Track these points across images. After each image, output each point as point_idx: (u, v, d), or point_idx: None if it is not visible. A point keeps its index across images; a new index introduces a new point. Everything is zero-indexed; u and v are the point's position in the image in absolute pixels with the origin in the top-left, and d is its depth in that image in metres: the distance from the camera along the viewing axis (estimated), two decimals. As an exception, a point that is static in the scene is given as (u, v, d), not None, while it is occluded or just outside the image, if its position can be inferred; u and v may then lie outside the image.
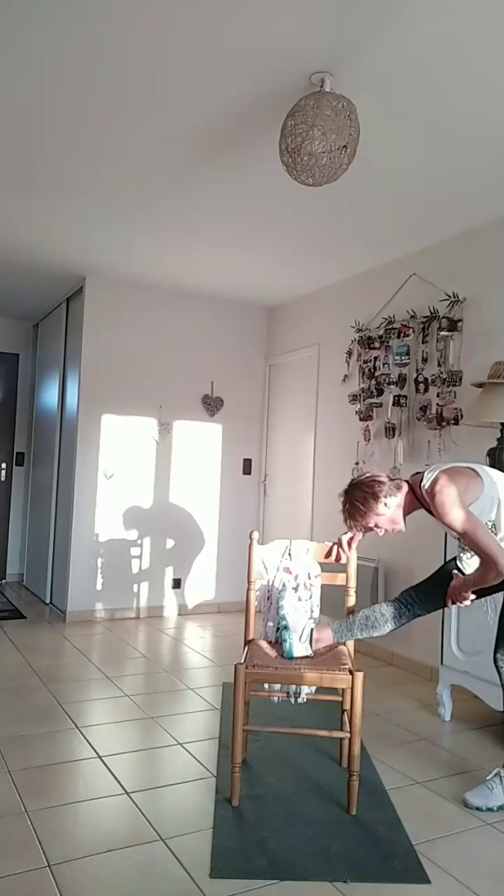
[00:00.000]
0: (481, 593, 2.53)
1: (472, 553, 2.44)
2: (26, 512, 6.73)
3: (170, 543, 5.61)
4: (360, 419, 4.66)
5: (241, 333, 5.97)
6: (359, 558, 3.35)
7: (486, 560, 2.30)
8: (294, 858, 2.07)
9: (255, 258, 4.70)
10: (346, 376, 4.94)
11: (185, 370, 5.69)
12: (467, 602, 2.50)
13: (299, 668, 2.38)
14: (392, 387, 4.38)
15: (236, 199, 3.69)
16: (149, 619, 5.37)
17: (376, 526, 2.43)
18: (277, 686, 2.45)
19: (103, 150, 3.19)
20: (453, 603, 2.53)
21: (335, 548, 2.69)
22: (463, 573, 2.57)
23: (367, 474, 2.46)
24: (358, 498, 2.40)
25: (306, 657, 2.51)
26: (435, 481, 2.33)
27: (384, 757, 2.86)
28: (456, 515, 2.28)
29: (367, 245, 4.33)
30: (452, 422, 3.93)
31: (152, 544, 5.54)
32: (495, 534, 2.39)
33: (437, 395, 4.05)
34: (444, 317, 4.02)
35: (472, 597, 2.49)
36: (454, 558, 2.67)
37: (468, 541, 2.31)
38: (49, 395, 6.16)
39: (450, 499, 2.28)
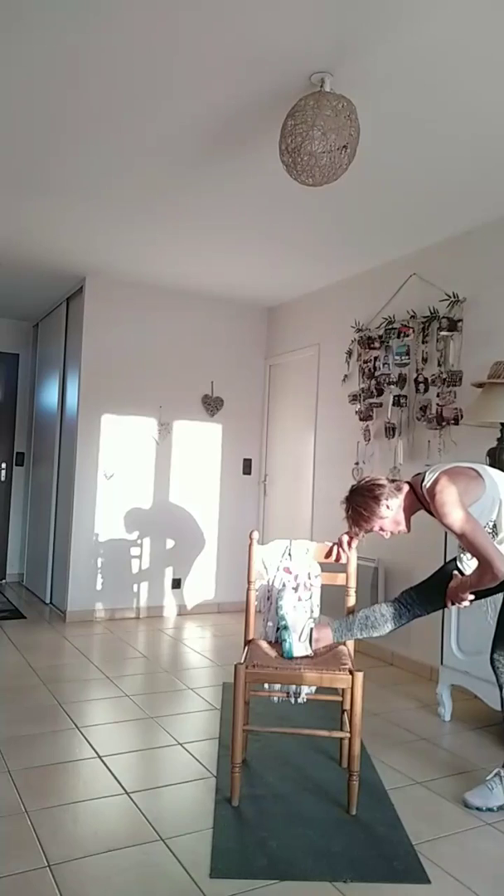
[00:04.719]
0: (481, 594, 2.53)
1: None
2: (26, 512, 6.73)
3: (170, 543, 5.61)
4: (360, 419, 4.66)
5: (241, 333, 5.97)
6: (359, 558, 3.35)
7: (483, 563, 2.29)
8: (294, 858, 2.07)
9: (255, 258, 4.70)
10: (346, 376, 4.94)
11: (184, 370, 5.69)
12: (466, 603, 2.50)
13: (299, 668, 2.38)
14: (392, 387, 4.38)
15: (236, 199, 3.69)
16: (149, 619, 5.37)
17: (381, 529, 2.43)
18: (277, 686, 2.45)
19: (104, 152, 3.19)
20: (452, 604, 2.54)
21: (335, 548, 2.69)
22: (463, 573, 2.57)
23: (367, 478, 2.46)
24: (360, 503, 2.40)
25: (306, 657, 2.51)
26: (435, 482, 2.33)
27: (384, 757, 2.86)
28: (456, 516, 2.28)
29: (367, 245, 4.33)
30: (452, 422, 3.93)
31: (152, 544, 5.53)
32: (496, 535, 2.39)
33: (437, 395, 4.05)
34: (444, 317, 4.02)
35: (471, 598, 2.49)
36: (454, 559, 2.67)
37: (466, 542, 2.30)
38: (49, 395, 6.16)
39: (450, 499, 2.28)
